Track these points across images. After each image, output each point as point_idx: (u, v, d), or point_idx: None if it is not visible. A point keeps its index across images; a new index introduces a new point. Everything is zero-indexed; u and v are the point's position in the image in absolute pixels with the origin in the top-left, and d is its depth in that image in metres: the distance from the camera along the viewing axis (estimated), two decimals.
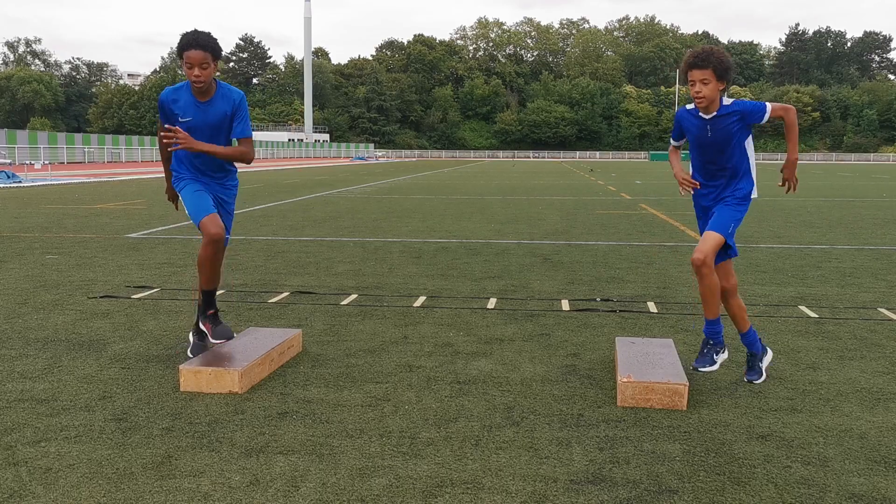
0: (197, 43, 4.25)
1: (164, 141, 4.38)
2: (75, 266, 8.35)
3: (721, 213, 4.23)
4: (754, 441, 3.52)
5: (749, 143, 4.23)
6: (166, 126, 4.39)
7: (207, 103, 4.41)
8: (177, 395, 4.12)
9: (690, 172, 4.40)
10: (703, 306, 4.27)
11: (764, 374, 4.36)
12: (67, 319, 5.83)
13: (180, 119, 4.41)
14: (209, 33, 4.35)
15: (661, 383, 3.97)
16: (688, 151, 4.45)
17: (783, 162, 4.28)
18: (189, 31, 4.35)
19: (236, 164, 4.74)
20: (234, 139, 4.58)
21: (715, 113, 4.13)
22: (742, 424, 3.72)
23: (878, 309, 6.33)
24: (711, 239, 4.16)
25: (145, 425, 3.67)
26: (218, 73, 4.51)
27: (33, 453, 3.33)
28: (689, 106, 4.29)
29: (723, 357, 4.29)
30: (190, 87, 4.41)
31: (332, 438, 3.52)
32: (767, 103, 4.15)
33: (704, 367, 4.23)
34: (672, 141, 4.52)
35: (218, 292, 6.73)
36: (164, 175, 4.79)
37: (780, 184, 4.27)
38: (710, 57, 4.04)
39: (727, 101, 4.15)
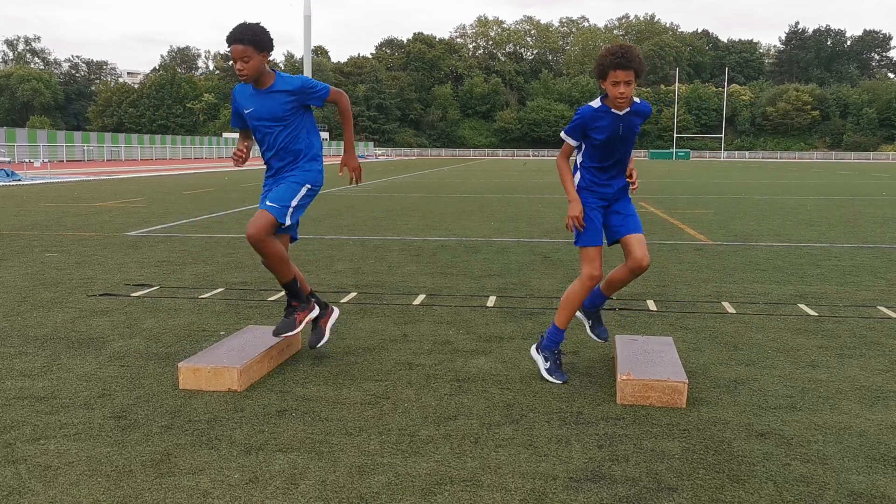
0: (235, 37, 4.32)
1: (353, 178, 4.73)
2: (75, 264, 8.35)
3: (635, 213, 4.41)
4: (753, 439, 3.52)
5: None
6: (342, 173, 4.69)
7: (265, 93, 4.45)
8: (176, 392, 4.12)
9: (579, 176, 4.37)
10: (613, 290, 4.58)
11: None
12: (67, 317, 5.82)
13: (244, 110, 4.50)
14: (254, 25, 4.38)
15: (661, 381, 3.97)
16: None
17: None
18: (237, 24, 4.40)
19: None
20: (324, 105, 4.66)
21: (628, 109, 4.18)
22: (741, 422, 3.73)
23: (878, 307, 6.33)
24: (643, 240, 4.37)
25: (144, 423, 3.67)
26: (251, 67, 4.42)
27: (32, 451, 3.33)
28: (595, 104, 4.24)
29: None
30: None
31: (332, 436, 3.51)
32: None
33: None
34: (570, 140, 4.32)
35: (216, 290, 6.73)
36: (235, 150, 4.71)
37: (633, 181, 4.41)
38: (634, 58, 4.03)
39: (636, 98, 4.23)
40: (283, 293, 6.78)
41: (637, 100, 4.22)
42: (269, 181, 4.61)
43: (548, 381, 4.34)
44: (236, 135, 4.84)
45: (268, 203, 4.42)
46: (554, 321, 4.44)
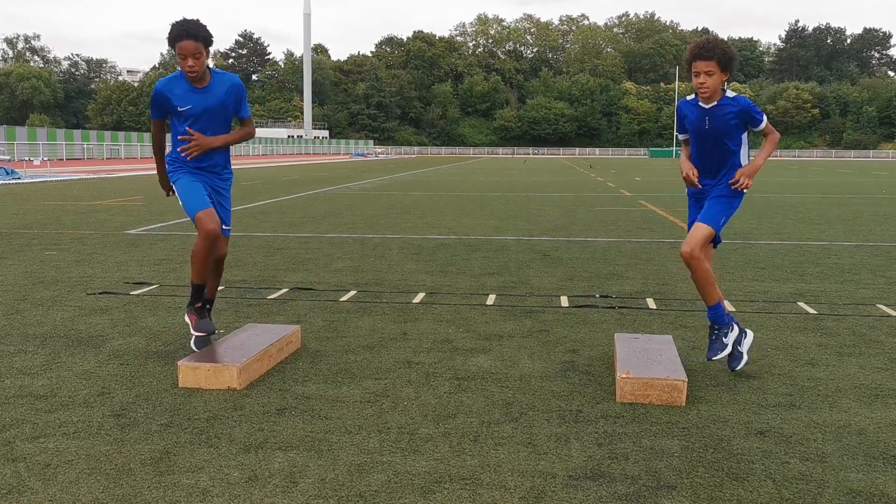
0: (188, 33, 4.28)
1: (181, 150, 4.50)
2: (74, 262, 8.35)
3: (713, 206, 4.31)
4: (753, 437, 3.52)
5: (744, 141, 4.29)
6: (188, 131, 4.49)
7: (205, 90, 4.46)
8: (175, 391, 4.12)
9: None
10: (702, 295, 4.36)
11: (736, 354, 4.39)
12: (66, 316, 5.82)
13: (179, 108, 4.47)
14: (198, 21, 4.38)
15: (660, 379, 3.97)
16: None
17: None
18: (178, 21, 4.37)
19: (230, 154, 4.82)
20: (238, 121, 4.72)
21: (715, 103, 4.18)
22: (740, 420, 3.73)
23: (877, 305, 6.33)
24: (701, 231, 4.25)
25: (144, 421, 3.67)
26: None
27: (32, 449, 3.33)
28: (690, 97, 4.35)
29: (732, 336, 4.33)
30: (184, 75, 4.46)
31: (331, 434, 3.52)
32: (765, 118, 4.27)
33: (717, 354, 4.29)
34: (678, 135, 4.56)
35: (219, 287, 6.75)
36: (156, 169, 4.83)
37: (732, 180, 4.28)
38: (716, 48, 4.09)
39: (730, 93, 4.20)
40: (282, 290, 6.78)
41: (731, 94, 4.19)
42: (200, 173, 4.61)
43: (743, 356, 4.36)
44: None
45: (226, 228, 4.71)
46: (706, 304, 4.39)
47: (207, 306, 4.81)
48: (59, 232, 11.14)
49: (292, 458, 3.26)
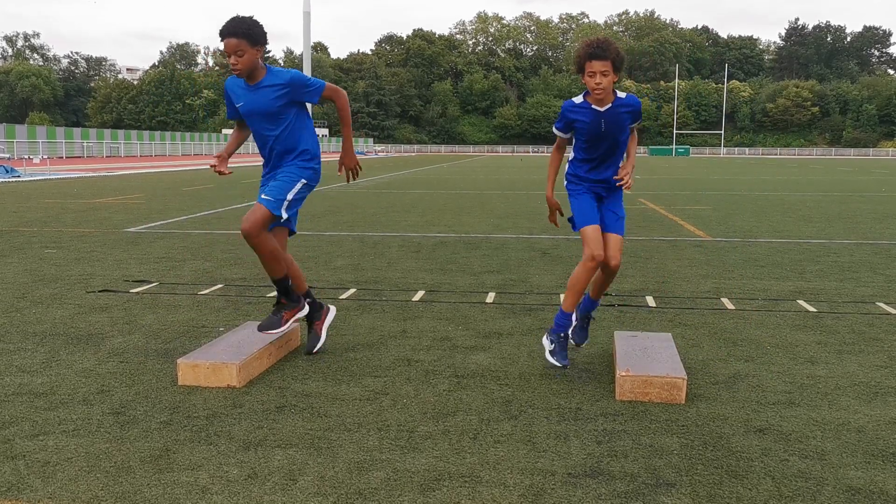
0: (229, 31, 4.28)
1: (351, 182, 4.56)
2: (74, 260, 8.35)
3: (622, 214, 4.42)
4: (752, 434, 3.52)
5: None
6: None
7: (255, 87, 4.42)
8: (175, 388, 4.12)
9: (566, 169, 4.48)
10: (597, 292, 4.58)
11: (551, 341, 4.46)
12: (66, 313, 5.82)
13: (236, 104, 4.49)
14: (248, 18, 4.34)
15: (660, 377, 3.97)
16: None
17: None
18: (229, 18, 4.37)
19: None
20: (323, 103, 4.67)
21: (609, 105, 4.14)
22: (740, 418, 3.73)
23: (877, 303, 6.33)
24: (619, 242, 4.40)
25: (143, 419, 3.67)
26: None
27: (31, 447, 3.33)
28: (577, 99, 4.25)
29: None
30: None
31: (331, 432, 3.52)
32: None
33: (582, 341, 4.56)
34: (558, 133, 4.39)
35: (215, 286, 6.74)
36: (224, 152, 4.69)
37: (620, 182, 4.31)
38: (610, 47, 4.02)
39: (621, 94, 4.17)
40: None
41: (622, 94, 4.17)
42: (266, 178, 4.61)
43: (550, 363, 4.34)
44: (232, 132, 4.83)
45: (263, 196, 4.41)
46: (561, 306, 4.43)
47: (282, 300, 4.65)
48: (58, 230, 11.13)
49: (292, 455, 3.26)
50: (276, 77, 4.42)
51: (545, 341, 4.44)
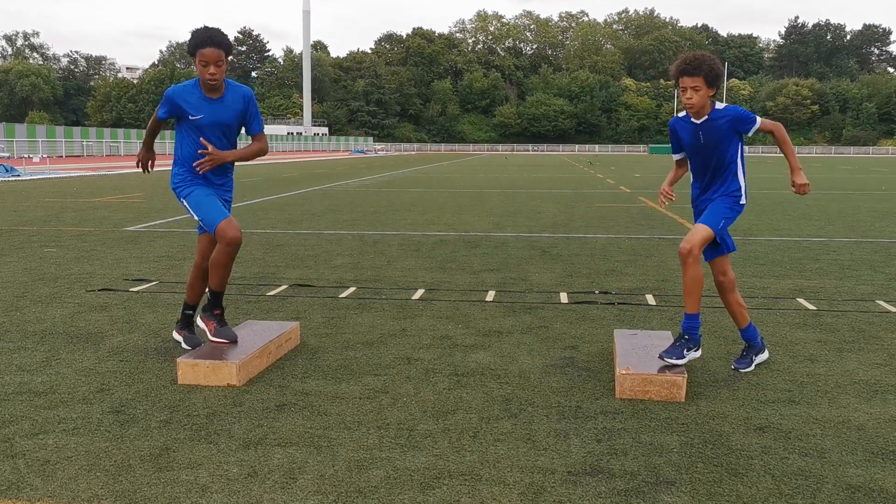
0: (212, 41, 4.24)
1: (195, 165, 4.47)
2: (74, 259, 8.34)
3: (712, 208, 4.32)
4: (752, 433, 3.52)
5: (740, 149, 4.29)
6: (204, 146, 4.45)
7: (219, 101, 4.41)
8: (175, 387, 4.12)
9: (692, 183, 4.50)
10: (685, 298, 4.30)
11: (752, 366, 4.45)
12: (66, 312, 5.82)
13: (191, 117, 4.40)
14: (221, 30, 4.34)
15: (660, 375, 3.97)
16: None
17: (778, 156, 4.35)
18: (201, 28, 4.33)
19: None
20: (250, 136, 4.71)
21: (706, 117, 4.19)
22: (740, 416, 3.73)
23: (877, 301, 6.33)
24: (700, 231, 4.25)
25: (143, 418, 3.67)
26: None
27: (31, 445, 3.33)
28: (682, 114, 4.37)
29: (693, 355, 4.24)
30: (198, 84, 4.41)
31: (330, 430, 3.52)
32: (759, 118, 4.22)
33: (671, 358, 4.14)
34: (673, 156, 4.59)
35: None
36: (143, 144, 4.85)
37: (795, 191, 4.32)
38: (702, 65, 4.08)
39: (719, 105, 4.20)
40: (282, 287, 6.78)
41: (720, 105, 4.19)
42: (214, 187, 4.62)
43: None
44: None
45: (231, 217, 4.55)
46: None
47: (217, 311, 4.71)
48: (58, 229, 11.13)
49: (291, 454, 3.26)
50: (238, 89, 4.49)
51: (687, 357, 4.18)
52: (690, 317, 4.26)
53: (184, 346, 4.77)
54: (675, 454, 3.28)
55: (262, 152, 4.73)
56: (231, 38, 4.50)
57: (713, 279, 4.53)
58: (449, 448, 3.32)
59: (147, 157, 4.85)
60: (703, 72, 4.07)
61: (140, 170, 4.89)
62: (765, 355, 4.54)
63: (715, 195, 4.35)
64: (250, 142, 4.77)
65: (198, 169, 4.47)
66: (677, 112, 4.49)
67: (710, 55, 4.17)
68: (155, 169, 4.99)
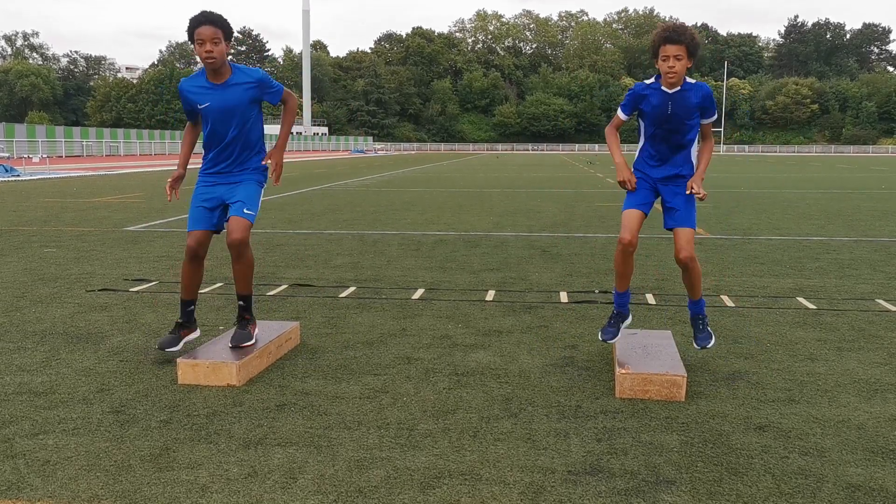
0: (207, 19, 4.24)
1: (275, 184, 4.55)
2: (73, 259, 8.34)
3: (685, 208, 4.32)
4: (752, 432, 3.52)
5: (697, 136, 4.31)
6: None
7: (223, 86, 4.37)
8: (175, 387, 4.12)
9: (636, 157, 4.47)
10: (692, 291, 4.44)
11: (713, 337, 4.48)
12: (66, 312, 5.82)
13: (199, 106, 4.41)
14: (217, 12, 4.34)
15: (660, 375, 3.97)
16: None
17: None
18: (200, 11, 4.34)
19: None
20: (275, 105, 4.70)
21: (678, 88, 4.16)
22: (740, 415, 3.73)
23: (876, 300, 6.33)
24: (689, 235, 4.31)
25: (143, 418, 3.67)
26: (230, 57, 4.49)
27: (31, 446, 3.33)
28: (649, 80, 4.28)
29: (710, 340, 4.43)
30: (205, 73, 4.40)
31: (331, 430, 3.52)
32: (715, 117, 4.30)
33: (708, 342, 4.40)
34: (621, 114, 4.38)
35: (215, 285, 6.73)
36: (178, 163, 4.72)
37: (690, 191, 4.28)
38: (685, 32, 4.07)
39: (690, 80, 4.18)
40: (282, 287, 6.78)
41: (692, 80, 4.18)
42: (214, 177, 4.54)
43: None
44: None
45: (245, 211, 4.42)
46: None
47: (246, 315, 4.67)
48: (58, 229, 11.13)
49: (291, 454, 3.26)
50: (246, 75, 4.44)
51: (711, 331, 4.47)
52: (700, 301, 4.48)
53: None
54: (676, 453, 3.28)
55: (294, 111, 4.68)
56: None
57: (629, 239, 4.35)
58: (449, 448, 3.32)
59: (177, 179, 4.65)
60: (687, 40, 4.04)
61: (167, 194, 4.71)
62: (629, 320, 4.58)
63: (680, 187, 4.31)
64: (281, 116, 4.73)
65: (276, 183, 4.63)
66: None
67: (691, 26, 4.18)
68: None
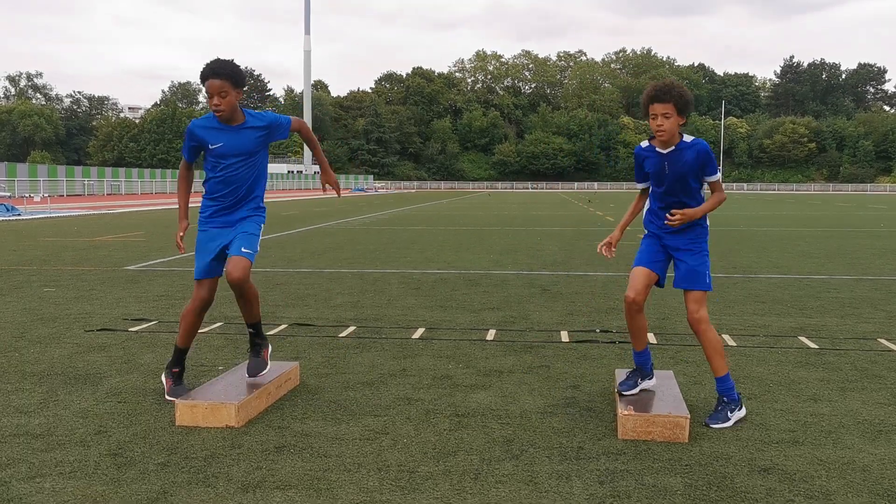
0: (214, 72, 4.32)
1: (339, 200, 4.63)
2: (73, 299, 8.33)
3: (692, 265, 4.24)
4: (756, 474, 3.48)
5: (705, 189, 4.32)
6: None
7: (237, 129, 4.44)
8: (173, 429, 4.08)
9: (647, 207, 4.48)
10: (710, 363, 4.27)
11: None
12: (64, 353, 5.80)
13: (210, 145, 4.46)
14: (230, 61, 4.41)
15: (663, 416, 3.94)
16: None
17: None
18: (211, 60, 4.41)
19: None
20: (285, 137, 4.74)
21: (673, 147, 4.17)
22: (744, 457, 3.69)
23: (879, 339, 6.31)
24: (694, 296, 4.23)
25: (141, 460, 3.63)
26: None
27: (28, 489, 3.29)
28: (644, 143, 4.32)
29: (739, 415, 4.22)
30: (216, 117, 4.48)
31: (330, 473, 3.48)
32: (718, 174, 4.28)
33: (717, 423, 4.13)
34: (637, 184, 4.49)
35: (214, 325, 6.72)
36: (179, 210, 4.76)
37: (670, 216, 4.22)
38: (672, 90, 4.08)
39: (688, 137, 4.19)
40: (281, 326, 6.75)
41: (689, 138, 4.18)
42: (217, 220, 4.57)
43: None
44: None
45: (243, 250, 4.44)
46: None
47: (258, 340, 4.75)
48: (58, 268, 11.13)
49: (291, 496, 3.22)
50: (258, 119, 4.52)
51: (732, 418, 4.16)
52: (722, 379, 4.24)
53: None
54: (679, 496, 3.24)
55: (310, 132, 4.83)
56: None
57: (632, 297, 4.28)
58: (450, 490, 3.29)
59: (185, 230, 4.70)
60: (674, 98, 4.05)
61: (179, 248, 4.74)
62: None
63: (690, 243, 4.27)
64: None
65: (337, 193, 4.94)
66: (641, 142, 4.45)
67: (681, 83, 4.20)
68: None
